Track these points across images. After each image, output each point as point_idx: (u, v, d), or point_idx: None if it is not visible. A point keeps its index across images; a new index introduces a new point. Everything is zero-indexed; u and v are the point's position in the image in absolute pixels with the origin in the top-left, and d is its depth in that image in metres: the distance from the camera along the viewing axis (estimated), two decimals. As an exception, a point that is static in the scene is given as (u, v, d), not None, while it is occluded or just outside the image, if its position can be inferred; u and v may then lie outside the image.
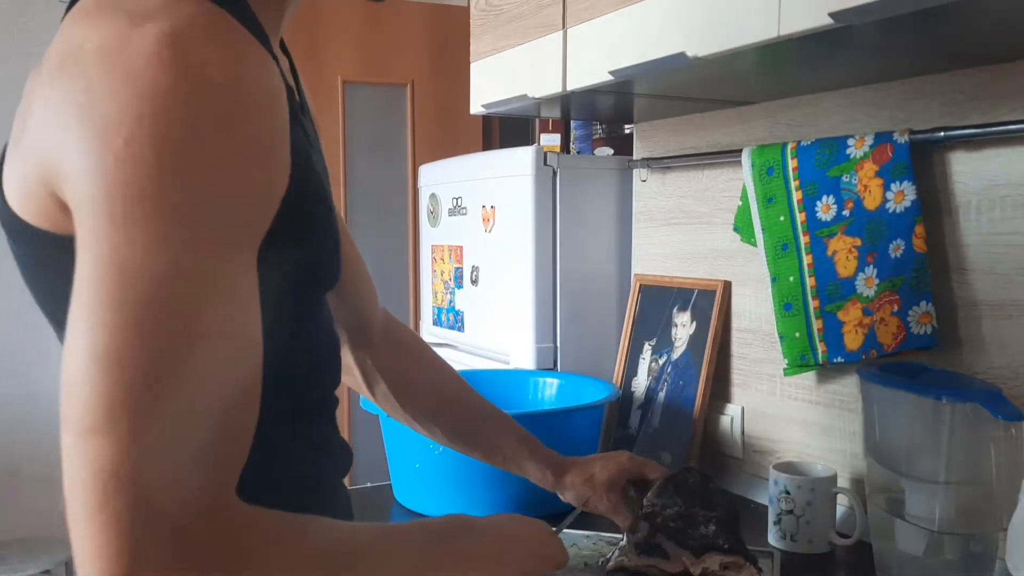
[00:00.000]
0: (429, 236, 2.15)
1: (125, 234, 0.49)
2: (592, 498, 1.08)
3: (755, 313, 1.49)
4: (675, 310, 1.63)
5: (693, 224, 1.62)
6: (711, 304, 1.55)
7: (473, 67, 1.71)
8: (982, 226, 1.15)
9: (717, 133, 1.57)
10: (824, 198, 1.28)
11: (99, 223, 0.50)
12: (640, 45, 1.22)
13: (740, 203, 1.45)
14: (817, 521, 1.20)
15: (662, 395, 1.60)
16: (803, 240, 1.31)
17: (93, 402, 0.47)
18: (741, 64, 1.17)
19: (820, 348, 1.29)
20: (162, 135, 0.50)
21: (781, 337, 1.35)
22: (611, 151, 2.38)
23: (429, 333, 2.17)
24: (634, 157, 1.77)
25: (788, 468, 1.26)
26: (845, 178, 1.25)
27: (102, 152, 0.50)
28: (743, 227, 1.45)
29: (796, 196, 1.32)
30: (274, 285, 0.57)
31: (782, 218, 1.34)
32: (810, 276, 1.30)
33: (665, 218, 1.69)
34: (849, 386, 1.33)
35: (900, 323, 1.19)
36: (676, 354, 1.60)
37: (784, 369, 1.35)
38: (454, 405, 1.09)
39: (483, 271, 1.90)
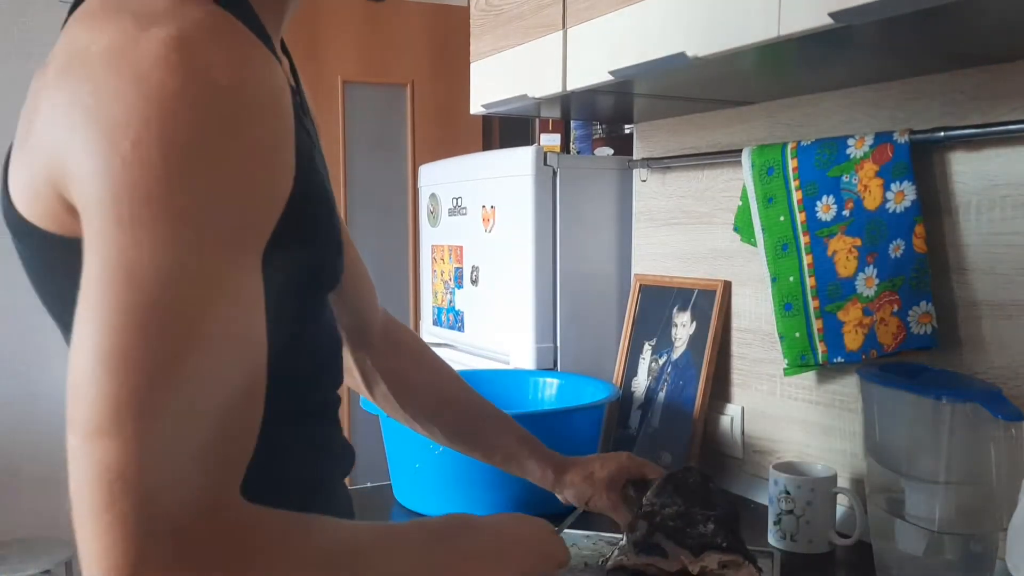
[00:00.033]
0: (429, 236, 2.15)
1: (132, 236, 0.49)
2: (591, 496, 1.08)
3: (755, 313, 1.49)
4: (675, 310, 1.63)
5: (693, 224, 1.62)
6: (711, 304, 1.55)
7: (473, 67, 1.71)
8: (982, 226, 1.15)
9: (717, 133, 1.57)
10: (824, 198, 1.28)
11: (106, 225, 0.50)
12: (640, 45, 1.22)
13: (740, 203, 1.45)
14: (817, 521, 1.20)
15: (662, 395, 1.60)
16: (803, 240, 1.31)
17: (99, 404, 0.48)
18: (741, 64, 1.17)
19: (820, 348, 1.29)
20: (169, 138, 0.50)
21: (781, 337, 1.35)
22: (611, 151, 2.38)
23: (429, 333, 2.17)
24: (634, 157, 1.77)
25: (788, 468, 1.26)
26: (845, 178, 1.25)
27: (109, 154, 0.50)
28: (743, 227, 1.45)
29: (796, 196, 1.32)
30: (277, 286, 0.57)
31: (782, 218, 1.34)
32: (810, 276, 1.30)
33: (665, 218, 1.69)
34: (849, 386, 1.33)
35: (900, 323, 1.19)
36: (676, 354, 1.60)
37: (784, 369, 1.35)
38: (454, 405, 1.09)
39: (483, 271, 1.90)
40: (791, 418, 1.43)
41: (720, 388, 1.55)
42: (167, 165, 0.50)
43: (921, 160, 1.19)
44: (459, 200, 1.99)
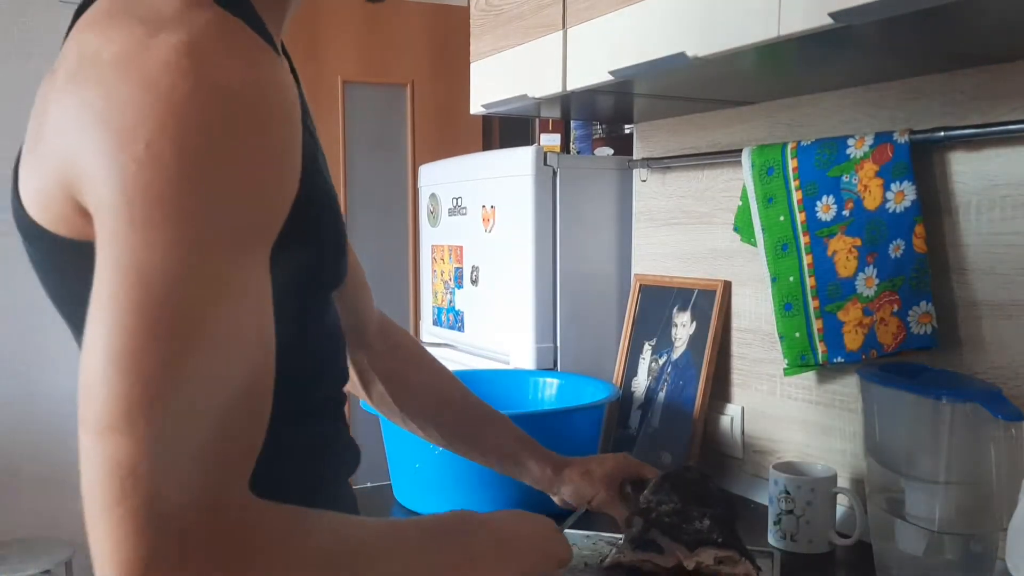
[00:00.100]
0: (429, 236, 2.15)
1: (144, 237, 0.50)
2: (589, 493, 1.08)
3: (755, 313, 1.49)
4: (675, 310, 1.63)
5: (693, 224, 1.62)
6: (711, 304, 1.55)
7: (473, 67, 1.71)
8: (982, 226, 1.15)
9: (717, 133, 1.57)
10: (824, 198, 1.28)
11: (118, 227, 0.51)
12: (640, 45, 1.22)
13: (740, 203, 1.45)
14: (817, 521, 1.20)
15: (662, 395, 1.60)
16: (803, 240, 1.31)
17: (111, 402, 0.48)
18: (741, 64, 1.17)
19: (820, 348, 1.29)
20: (181, 141, 0.51)
21: (781, 337, 1.35)
22: (611, 151, 2.38)
23: (429, 333, 2.17)
24: (634, 157, 1.77)
25: (788, 468, 1.26)
26: (845, 178, 1.25)
27: (122, 157, 0.51)
28: (743, 227, 1.45)
29: (796, 196, 1.32)
30: (280, 286, 0.58)
31: (782, 218, 1.34)
32: (810, 276, 1.30)
33: (665, 218, 1.69)
34: (849, 386, 1.33)
35: (900, 323, 1.19)
36: (676, 354, 1.60)
37: (784, 369, 1.36)
38: (452, 406, 1.09)
39: (483, 271, 1.90)
40: (791, 418, 1.43)
41: (720, 388, 1.55)
42: (179, 167, 0.50)
43: (921, 160, 1.19)
44: (459, 200, 1.99)
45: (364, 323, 1.04)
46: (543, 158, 1.73)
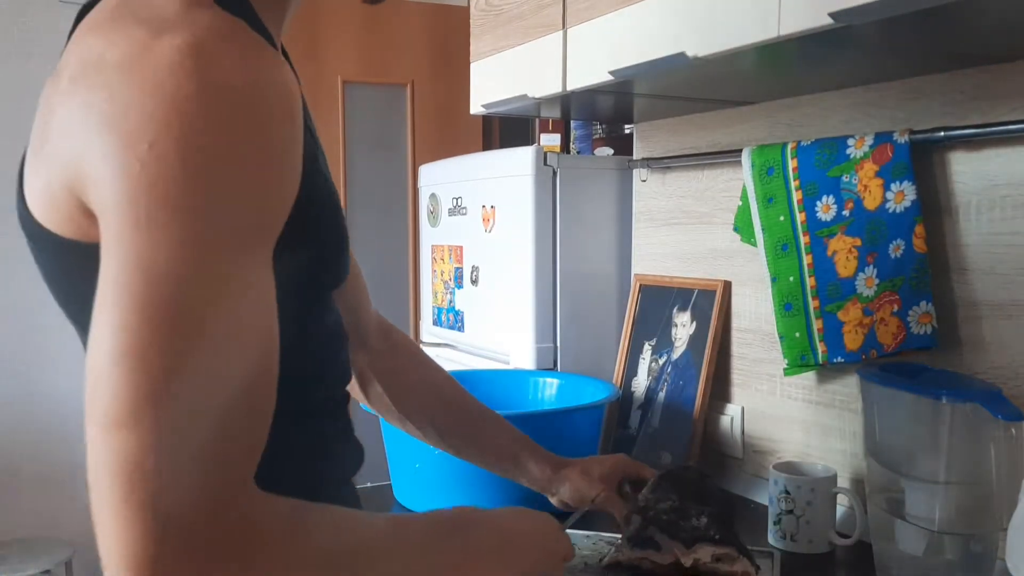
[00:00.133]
0: (429, 236, 2.15)
1: (148, 237, 0.50)
2: (588, 492, 1.08)
3: (755, 313, 1.49)
4: (675, 310, 1.63)
5: (693, 224, 1.62)
6: (711, 304, 1.55)
7: (473, 67, 1.71)
8: (982, 226, 1.15)
9: (717, 133, 1.57)
10: (824, 198, 1.28)
11: (123, 227, 0.51)
12: (640, 45, 1.22)
13: (740, 203, 1.45)
14: (817, 521, 1.20)
15: (662, 395, 1.60)
16: (803, 240, 1.31)
17: (118, 398, 0.49)
18: (741, 64, 1.17)
19: (820, 348, 1.29)
20: (186, 141, 0.51)
21: (781, 337, 1.35)
22: (611, 151, 2.37)
23: (429, 333, 2.17)
24: (634, 157, 1.77)
25: (788, 468, 1.26)
26: (845, 178, 1.25)
27: (127, 157, 0.51)
28: (743, 227, 1.45)
29: (796, 196, 1.32)
30: (282, 286, 0.58)
31: (782, 218, 1.34)
32: (810, 276, 1.30)
33: (665, 218, 1.69)
34: (849, 386, 1.33)
35: (900, 323, 1.19)
36: (676, 354, 1.60)
37: (784, 369, 1.36)
38: (451, 406, 1.09)
39: (483, 271, 1.90)
40: (791, 418, 1.43)
41: (720, 388, 1.55)
42: (184, 167, 0.51)
43: (921, 160, 1.19)
44: (459, 200, 1.99)
45: (362, 323, 1.04)
46: (543, 158, 1.73)
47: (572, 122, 2.62)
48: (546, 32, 1.45)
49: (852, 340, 1.25)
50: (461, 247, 1.98)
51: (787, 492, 1.21)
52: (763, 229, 1.37)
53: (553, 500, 1.11)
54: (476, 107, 1.71)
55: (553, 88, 1.43)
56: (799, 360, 1.33)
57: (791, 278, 1.33)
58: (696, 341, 1.56)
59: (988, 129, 1.10)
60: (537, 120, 2.74)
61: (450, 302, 2.04)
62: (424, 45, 3.14)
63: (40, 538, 2.66)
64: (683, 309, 1.61)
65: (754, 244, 1.41)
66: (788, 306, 1.33)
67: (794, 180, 1.32)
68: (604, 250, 1.79)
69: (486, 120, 3.26)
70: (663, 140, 1.70)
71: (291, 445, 0.70)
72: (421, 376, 1.10)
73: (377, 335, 1.07)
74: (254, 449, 0.54)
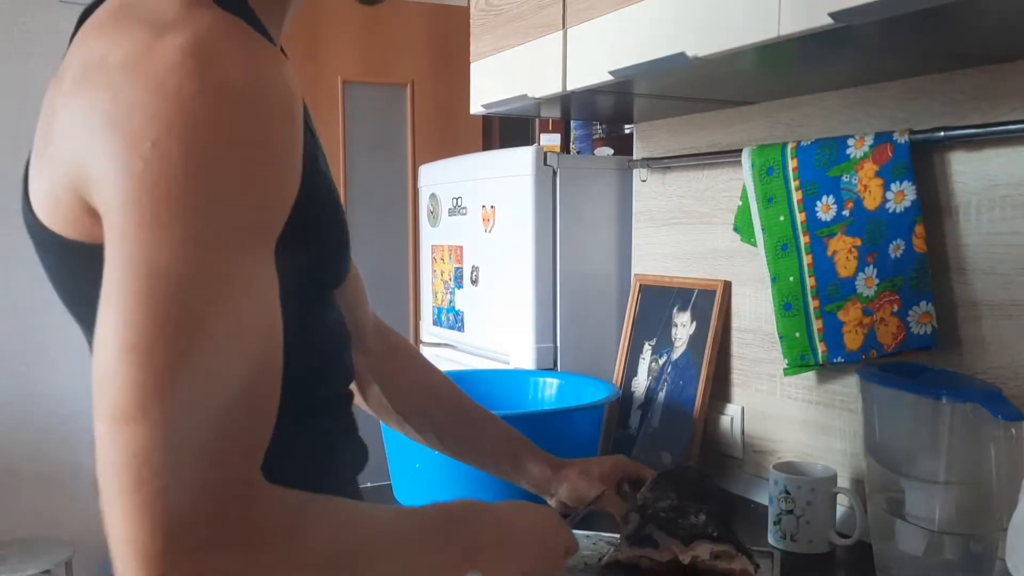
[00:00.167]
0: (429, 236, 2.15)
1: (152, 235, 0.51)
2: (587, 492, 1.08)
3: (755, 313, 1.49)
4: (675, 310, 1.63)
5: (693, 224, 1.62)
6: (711, 304, 1.55)
7: (473, 67, 1.71)
8: (982, 226, 1.15)
9: (717, 133, 1.57)
10: (824, 198, 1.28)
11: (127, 225, 0.52)
12: (640, 45, 1.22)
13: (740, 203, 1.45)
14: (817, 521, 1.20)
15: (662, 395, 1.60)
16: (803, 240, 1.31)
17: (124, 392, 0.49)
18: (741, 64, 1.17)
19: (820, 348, 1.29)
20: (189, 140, 0.52)
21: (781, 337, 1.35)
22: (611, 151, 2.37)
23: (429, 333, 2.17)
24: (634, 157, 1.77)
25: (788, 468, 1.26)
26: (845, 178, 1.25)
27: (130, 157, 0.52)
28: (743, 227, 1.45)
29: (796, 196, 1.32)
30: (282, 285, 0.58)
31: (782, 218, 1.34)
32: (810, 276, 1.30)
33: (665, 218, 1.69)
34: (849, 386, 1.33)
35: (900, 323, 1.19)
36: (676, 354, 1.60)
37: (784, 369, 1.35)
38: (449, 408, 1.09)
39: (483, 271, 1.90)
40: (791, 418, 1.43)
41: (720, 388, 1.55)
42: (186, 166, 0.51)
43: (921, 160, 1.19)
44: (459, 200, 1.99)
45: (360, 325, 1.04)
46: (543, 158, 1.73)
47: (572, 122, 2.62)
48: (546, 32, 1.45)
49: (852, 340, 1.25)
50: (461, 247, 1.98)
51: (787, 492, 1.21)
52: (763, 229, 1.37)
53: (552, 501, 1.11)
54: (476, 107, 1.71)
55: (553, 88, 1.43)
56: (799, 360, 1.33)
57: (791, 278, 1.33)
58: (696, 341, 1.56)
59: (988, 129, 1.10)
60: (537, 120, 2.74)
61: (450, 302, 2.04)
62: (424, 45, 3.14)
63: (40, 538, 2.66)
64: (683, 309, 1.61)
65: (754, 244, 1.41)
66: (788, 306, 1.33)
67: (794, 180, 1.32)
68: (604, 250, 1.79)
69: (486, 120, 3.26)
70: (663, 140, 1.70)
71: (292, 444, 0.70)
72: (419, 378, 1.10)
73: (375, 337, 1.07)
74: (256, 448, 0.54)
